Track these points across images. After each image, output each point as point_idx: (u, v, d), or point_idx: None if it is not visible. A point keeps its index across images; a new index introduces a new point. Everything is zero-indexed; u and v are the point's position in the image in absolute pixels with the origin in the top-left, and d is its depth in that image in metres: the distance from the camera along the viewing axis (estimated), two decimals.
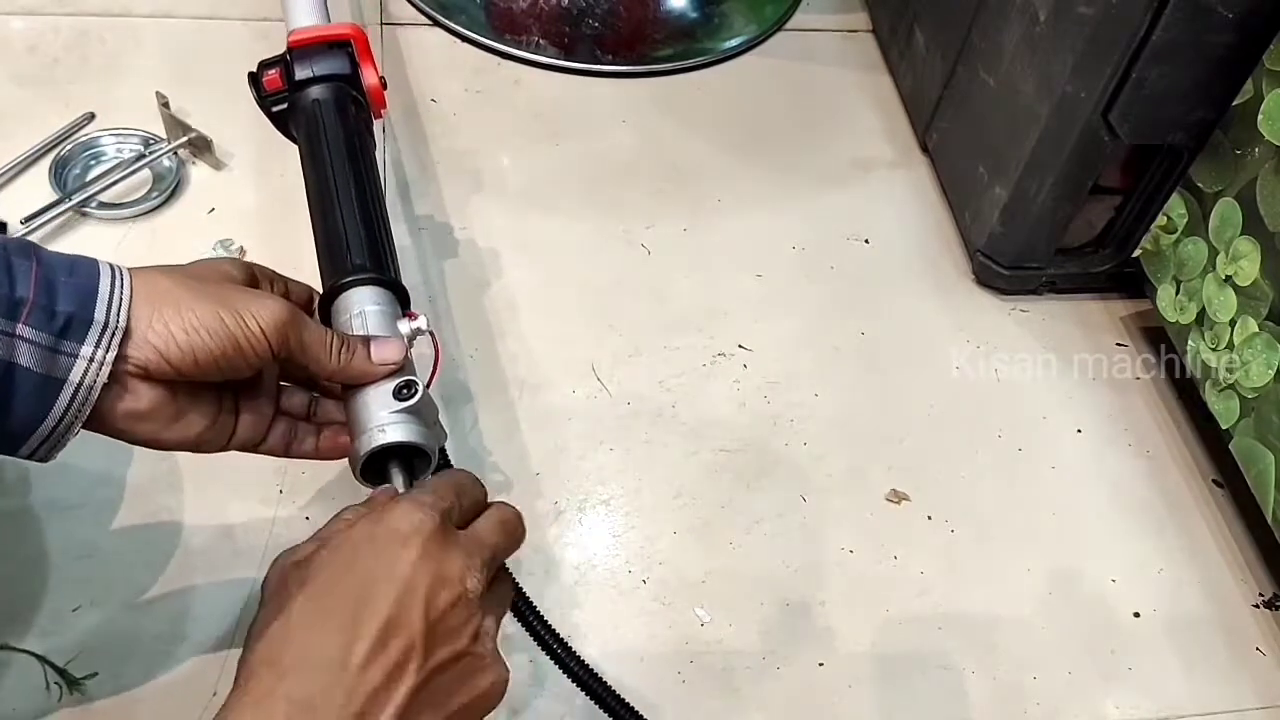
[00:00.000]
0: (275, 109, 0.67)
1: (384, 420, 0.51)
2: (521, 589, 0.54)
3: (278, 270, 0.56)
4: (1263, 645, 0.73)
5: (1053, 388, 0.85)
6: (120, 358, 0.46)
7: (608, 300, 0.85)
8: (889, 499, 0.77)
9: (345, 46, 0.68)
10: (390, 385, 0.52)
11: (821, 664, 0.69)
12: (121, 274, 0.46)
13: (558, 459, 0.75)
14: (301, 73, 0.66)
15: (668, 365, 0.82)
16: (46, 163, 0.85)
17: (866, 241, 0.93)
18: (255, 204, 0.86)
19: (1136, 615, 0.73)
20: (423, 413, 0.52)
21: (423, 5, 1.03)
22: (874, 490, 0.77)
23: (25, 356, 0.43)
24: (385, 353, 0.52)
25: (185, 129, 0.86)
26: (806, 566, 0.73)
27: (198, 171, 0.88)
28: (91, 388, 0.45)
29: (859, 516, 0.76)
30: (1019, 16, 0.81)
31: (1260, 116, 0.69)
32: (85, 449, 0.71)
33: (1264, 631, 0.74)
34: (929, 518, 0.76)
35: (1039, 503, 0.78)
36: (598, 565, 0.71)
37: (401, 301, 0.58)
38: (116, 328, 0.45)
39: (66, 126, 0.88)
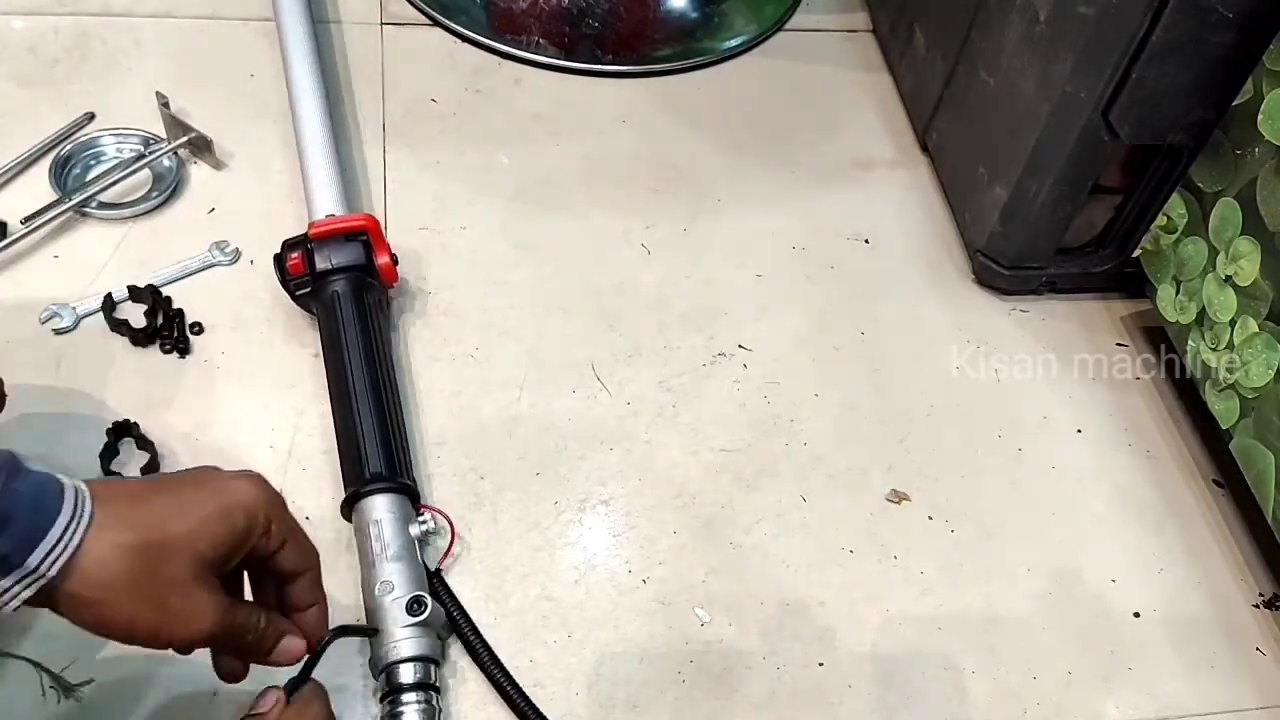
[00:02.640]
0: (299, 292, 0.76)
1: (398, 636, 0.61)
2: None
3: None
4: (1263, 645, 0.73)
5: (1053, 388, 0.85)
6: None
7: (608, 300, 0.85)
8: (889, 499, 0.77)
9: (360, 237, 0.76)
10: (405, 599, 0.62)
11: (821, 664, 0.69)
12: (77, 522, 0.45)
13: (558, 459, 0.75)
14: (322, 264, 0.75)
15: (668, 365, 0.82)
16: (46, 163, 0.85)
17: (866, 241, 0.93)
18: (255, 204, 0.86)
19: (1136, 615, 0.73)
20: (431, 621, 0.62)
21: (423, 5, 1.03)
22: (874, 490, 0.77)
23: None
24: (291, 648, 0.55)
25: (185, 129, 0.86)
26: (806, 566, 0.73)
27: (198, 171, 0.88)
28: None
29: (859, 516, 0.76)
30: (1019, 16, 0.81)
31: (1260, 116, 0.69)
32: (84, 452, 0.71)
33: (1264, 631, 0.74)
34: (929, 518, 0.76)
35: (1039, 503, 0.78)
36: (598, 565, 0.71)
37: (412, 497, 0.68)
38: (42, 576, 0.44)
39: (66, 126, 0.88)
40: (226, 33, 0.99)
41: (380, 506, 0.66)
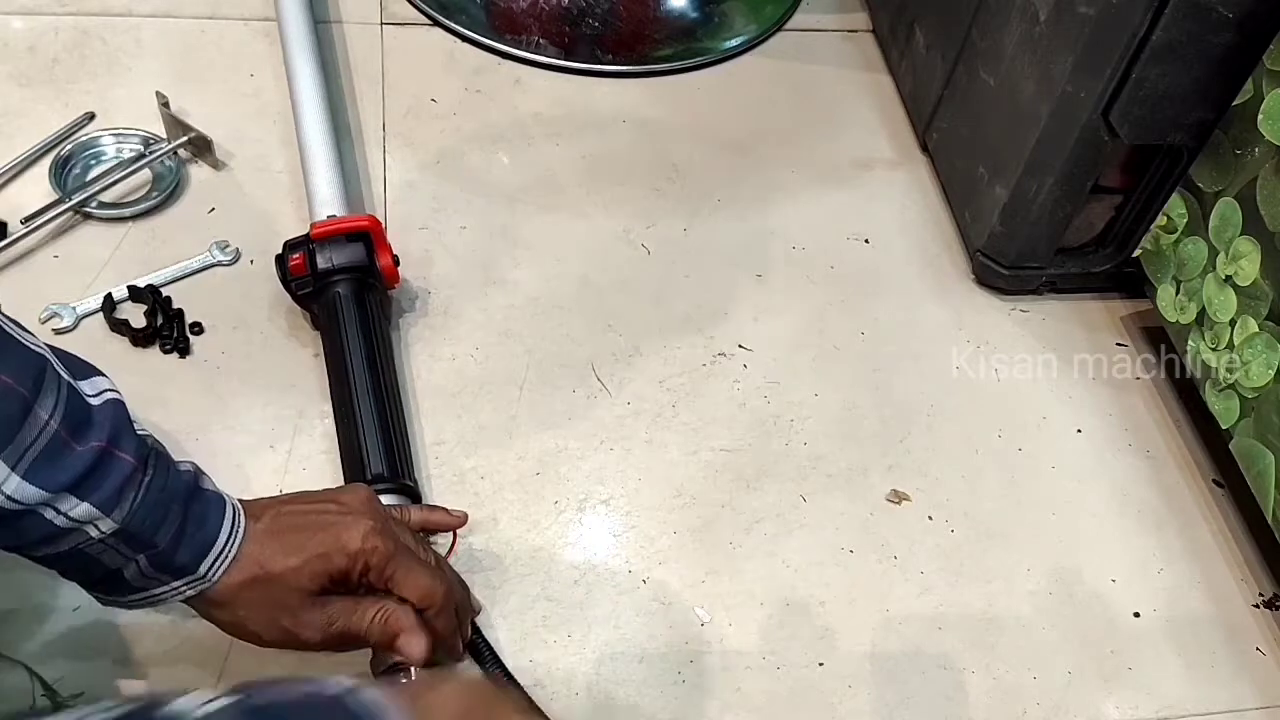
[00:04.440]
0: (301, 292, 0.76)
1: None
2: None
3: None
4: (1263, 645, 0.73)
5: (1053, 388, 0.85)
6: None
7: (608, 300, 0.85)
8: (889, 499, 0.77)
9: (363, 237, 0.76)
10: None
11: (821, 664, 0.69)
12: (234, 539, 0.53)
13: (558, 459, 0.75)
14: (324, 264, 0.75)
15: (668, 365, 0.82)
16: (46, 163, 0.85)
17: (866, 241, 0.93)
18: (255, 204, 0.86)
19: (1136, 615, 0.73)
20: None
21: (423, 5, 1.03)
22: (874, 490, 0.77)
23: (131, 574, 0.51)
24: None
25: (185, 129, 0.86)
26: (806, 566, 0.73)
27: (198, 171, 0.88)
28: (163, 601, 0.53)
29: (859, 516, 0.76)
30: (1019, 16, 0.81)
31: (1260, 116, 0.69)
32: None
33: (1264, 631, 0.74)
34: (929, 518, 0.76)
35: (1039, 503, 0.78)
36: (598, 565, 0.71)
37: (413, 497, 0.69)
38: (207, 581, 0.53)
39: (66, 126, 0.88)
40: (226, 33, 0.99)
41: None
